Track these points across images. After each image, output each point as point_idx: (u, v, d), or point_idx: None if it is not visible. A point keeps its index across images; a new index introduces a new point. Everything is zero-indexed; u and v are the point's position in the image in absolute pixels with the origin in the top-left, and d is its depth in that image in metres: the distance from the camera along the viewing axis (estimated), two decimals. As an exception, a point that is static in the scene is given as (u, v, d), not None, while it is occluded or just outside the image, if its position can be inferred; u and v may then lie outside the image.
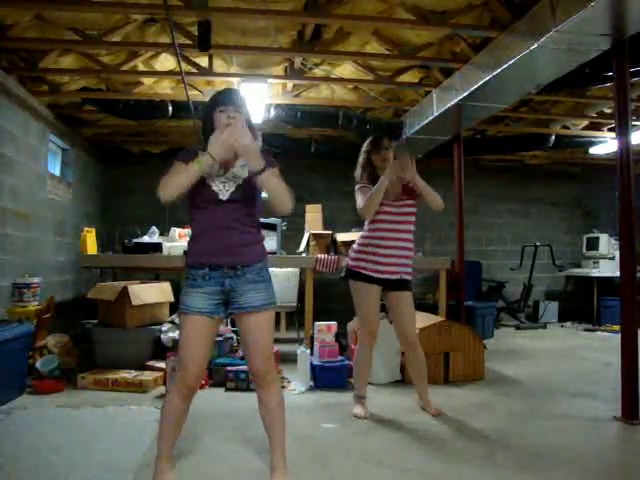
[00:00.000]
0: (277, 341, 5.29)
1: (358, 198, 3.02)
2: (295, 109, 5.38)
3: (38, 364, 3.52)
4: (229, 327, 4.68)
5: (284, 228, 4.94)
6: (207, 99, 2.25)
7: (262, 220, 4.70)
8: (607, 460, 2.47)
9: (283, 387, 3.63)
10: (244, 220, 2.06)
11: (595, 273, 7.28)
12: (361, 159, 3.10)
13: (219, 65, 4.54)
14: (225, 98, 2.10)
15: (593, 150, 6.64)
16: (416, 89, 5.14)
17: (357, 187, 3.06)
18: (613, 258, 7.02)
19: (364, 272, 2.98)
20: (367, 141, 3.11)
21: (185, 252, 2.12)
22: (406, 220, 3.00)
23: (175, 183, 1.99)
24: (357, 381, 3.13)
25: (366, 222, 3.06)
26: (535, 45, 3.20)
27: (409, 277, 3.05)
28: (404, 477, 2.23)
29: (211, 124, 2.07)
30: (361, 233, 3.13)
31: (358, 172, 3.10)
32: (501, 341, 5.91)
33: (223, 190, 2.03)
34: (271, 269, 5.00)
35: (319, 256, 4.52)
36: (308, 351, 3.78)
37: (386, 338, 3.86)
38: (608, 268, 7.07)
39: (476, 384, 3.83)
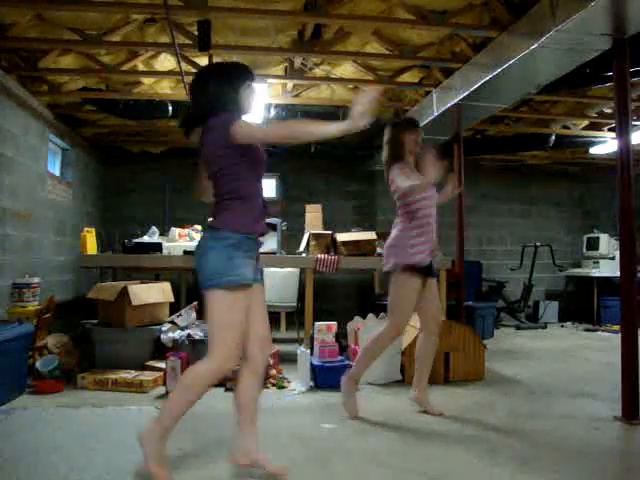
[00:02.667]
0: (277, 341, 5.34)
1: (399, 178, 2.96)
2: (295, 109, 5.38)
3: (38, 364, 3.52)
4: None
5: (284, 228, 4.94)
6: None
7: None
8: (607, 460, 2.47)
9: (283, 387, 3.63)
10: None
11: (595, 273, 7.28)
12: (389, 136, 3.08)
13: (219, 65, 4.54)
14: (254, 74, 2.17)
15: (593, 150, 6.64)
16: (416, 89, 5.14)
17: (397, 166, 3.01)
18: (613, 258, 7.02)
19: (420, 264, 2.98)
20: (398, 120, 3.17)
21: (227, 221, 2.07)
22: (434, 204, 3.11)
23: None
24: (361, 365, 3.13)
25: (405, 213, 3.02)
26: (535, 45, 3.20)
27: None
28: (404, 477, 2.23)
29: (237, 95, 2.09)
30: (402, 226, 3.04)
31: (387, 151, 3.08)
32: (501, 341, 5.91)
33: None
34: (271, 269, 5.04)
35: (319, 256, 4.51)
36: (308, 351, 3.78)
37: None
38: (608, 268, 7.07)
39: (476, 384, 3.83)
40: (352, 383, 3.08)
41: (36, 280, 4.44)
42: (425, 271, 3.02)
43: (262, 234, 2.14)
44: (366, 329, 3.98)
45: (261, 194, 2.13)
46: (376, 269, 5.92)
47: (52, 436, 2.63)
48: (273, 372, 3.81)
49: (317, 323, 3.95)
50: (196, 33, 3.74)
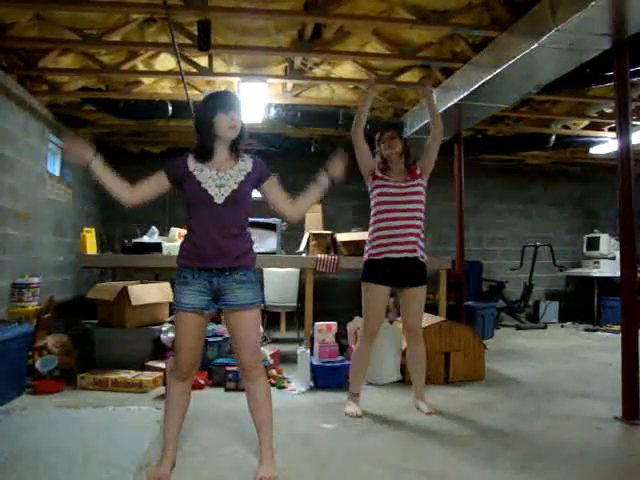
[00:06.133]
0: (277, 341, 5.34)
1: None
2: (295, 109, 5.38)
3: (37, 364, 3.52)
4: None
5: (284, 228, 4.94)
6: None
7: (262, 220, 4.69)
8: (607, 460, 2.47)
9: (283, 387, 3.63)
10: (238, 224, 2.16)
11: (595, 273, 7.28)
12: (376, 149, 3.20)
13: (219, 65, 4.54)
14: (229, 101, 2.17)
15: (594, 150, 6.64)
16: (416, 89, 5.13)
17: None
18: (614, 258, 7.02)
19: (375, 258, 3.01)
20: (378, 132, 3.20)
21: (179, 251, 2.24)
22: (411, 200, 3.01)
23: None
24: (353, 379, 3.15)
25: (371, 212, 3.11)
26: (535, 45, 3.20)
27: (421, 258, 3.02)
28: (404, 477, 2.23)
29: (209, 125, 2.14)
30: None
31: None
32: (501, 341, 5.91)
33: (219, 194, 2.12)
34: (271, 269, 5.05)
35: (319, 256, 4.51)
36: (308, 351, 3.78)
37: (386, 338, 3.86)
38: (609, 268, 7.07)
39: (476, 384, 3.83)
40: (352, 398, 3.12)
41: (36, 280, 4.44)
42: (387, 274, 2.99)
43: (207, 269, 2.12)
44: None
45: (210, 230, 2.11)
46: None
47: (52, 436, 2.62)
48: (273, 372, 3.81)
49: (317, 323, 3.95)
50: (196, 33, 3.74)
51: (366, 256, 3.09)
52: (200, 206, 2.12)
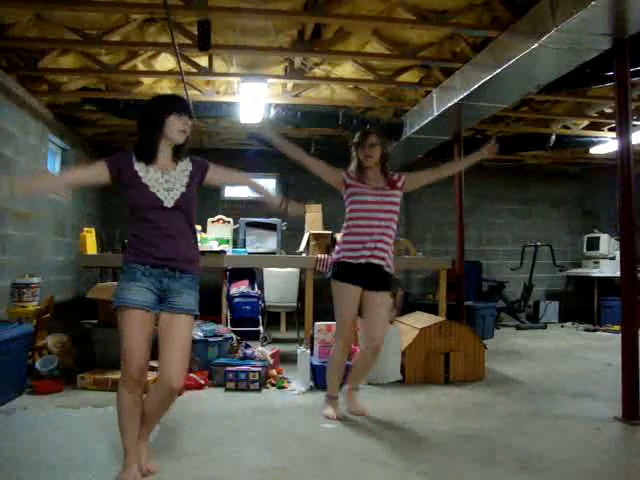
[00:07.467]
0: (277, 341, 5.34)
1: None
2: (295, 109, 5.38)
3: (37, 364, 3.52)
4: (229, 327, 4.68)
5: (284, 228, 4.94)
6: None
7: (262, 220, 4.66)
8: (607, 460, 2.47)
9: (283, 387, 3.63)
10: (188, 226, 2.17)
11: (596, 273, 7.29)
12: (352, 151, 3.09)
13: (219, 65, 4.54)
14: (182, 105, 2.19)
15: (594, 150, 6.64)
16: (416, 89, 5.13)
17: None
18: (614, 258, 7.02)
19: (347, 261, 2.92)
20: (357, 134, 3.09)
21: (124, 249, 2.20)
22: (386, 209, 2.94)
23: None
24: (330, 383, 3.10)
25: (346, 217, 3.02)
26: (535, 45, 3.20)
27: (389, 268, 2.96)
28: (404, 477, 2.23)
29: (158, 124, 2.11)
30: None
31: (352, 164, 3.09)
32: (501, 341, 5.91)
33: (168, 197, 2.10)
34: (271, 269, 5.06)
35: (319, 256, 4.51)
36: (308, 351, 3.78)
37: (386, 338, 3.86)
38: (609, 268, 7.08)
39: (476, 384, 3.83)
40: (330, 400, 3.06)
41: (36, 280, 4.43)
42: (358, 276, 2.91)
43: (158, 266, 2.09)
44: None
45: (161, 231, 2.10)
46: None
47: (52, 436, 2.63)
48: (273, 372, 3.81)
49: (317, 323, 3.96)
50: (196, 33, 3.74)
51: (336, 257, 3.00)
52: (149, 210, 2.09)
